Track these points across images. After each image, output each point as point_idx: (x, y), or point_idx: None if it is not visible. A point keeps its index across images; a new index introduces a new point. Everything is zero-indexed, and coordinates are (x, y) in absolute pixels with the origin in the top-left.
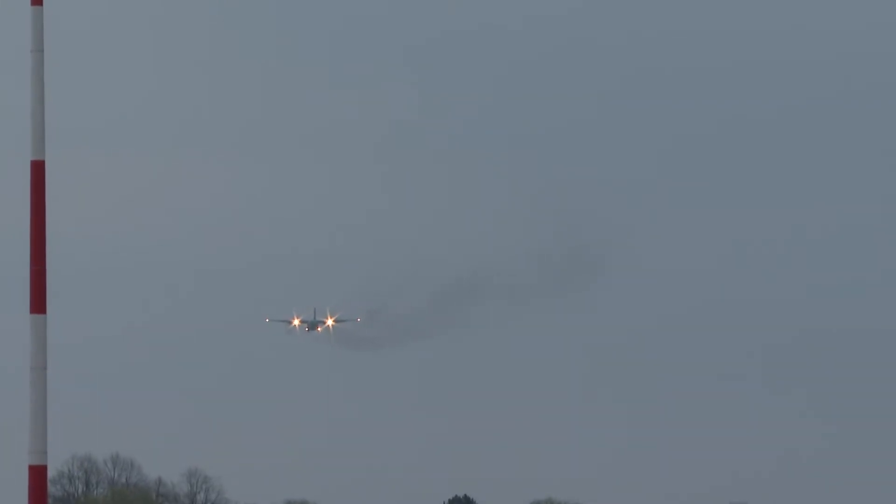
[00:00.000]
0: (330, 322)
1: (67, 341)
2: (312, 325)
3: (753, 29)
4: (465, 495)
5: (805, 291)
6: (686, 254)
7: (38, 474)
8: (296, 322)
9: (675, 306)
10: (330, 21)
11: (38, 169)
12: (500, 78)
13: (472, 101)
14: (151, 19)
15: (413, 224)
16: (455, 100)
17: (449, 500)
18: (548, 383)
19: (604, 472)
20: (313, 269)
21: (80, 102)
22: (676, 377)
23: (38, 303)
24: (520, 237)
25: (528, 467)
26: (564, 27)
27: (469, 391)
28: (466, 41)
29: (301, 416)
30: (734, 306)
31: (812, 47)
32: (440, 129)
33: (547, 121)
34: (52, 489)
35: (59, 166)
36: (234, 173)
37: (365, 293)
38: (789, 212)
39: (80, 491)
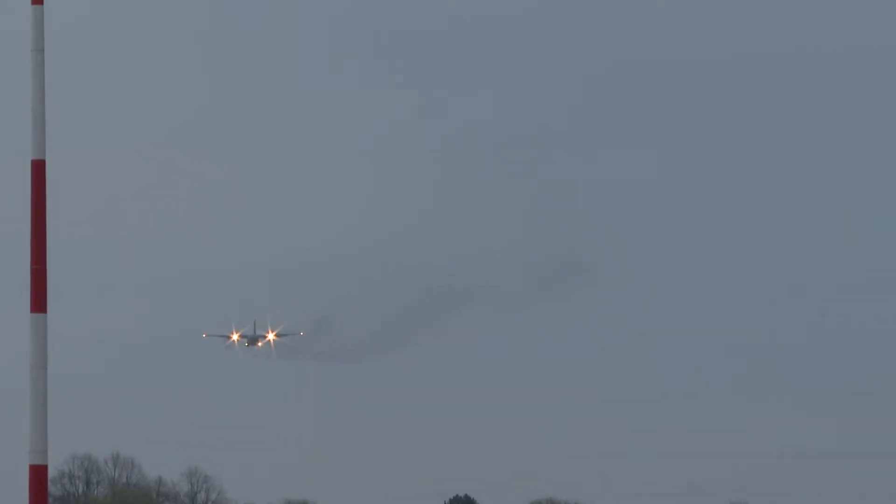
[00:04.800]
0: (271, 336)
1: (68, 340)
2: (252, 340)
3: (753, 25)
4: (466, 495)
5: (802, 291)
6: (679, 255)
7: (38, 474)
8: (234, 337)
9: (671, 306)
10: (322, 20)
11: (38, 168)
12: (493, 76)
13: (467, 100)
14: (152, 19)
15: (397, 227)
16: (450, 99)
17: (449, 500)
18: (548, 383)
19: (604, 472)
20: (304, 271)
21: (81, 102)
22: (674, 377)
23: (39, 302)
24: (511, 240)
25: (528, 467)
26: (556, 21)
27: (469, 392)
28: (455, 34)
29: (302, 416)
30: (727, 307)
31: (812, 42)
32: (434, 129)
33: (539, 119)
34: (53, 489)
35: (59, 165)
36: (234, 174)
37: (352, 294)
38: (784, 211)
39: (80, 490)
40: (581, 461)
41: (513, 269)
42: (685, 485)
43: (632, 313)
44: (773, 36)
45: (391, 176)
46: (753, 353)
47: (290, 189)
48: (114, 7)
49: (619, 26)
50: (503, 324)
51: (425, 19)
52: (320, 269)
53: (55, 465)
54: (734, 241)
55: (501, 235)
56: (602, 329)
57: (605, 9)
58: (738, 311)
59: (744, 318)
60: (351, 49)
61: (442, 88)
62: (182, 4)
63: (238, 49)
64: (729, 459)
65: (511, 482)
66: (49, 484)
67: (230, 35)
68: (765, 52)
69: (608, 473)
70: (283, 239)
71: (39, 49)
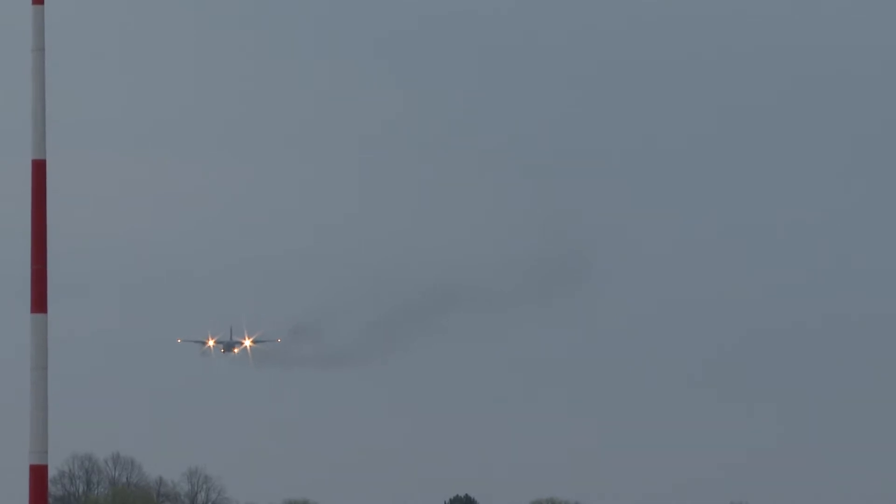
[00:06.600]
0: (248, 343)
1: (68, 341)
2: (228, 347)
3: (750, 24)
4: (466, 495)
5: (804, 290)
6: (676, 255)
7: (38, 474)
8: (210, 343)
9: (669, 306)
10: (318, 19)
11: (38, 168)
12: (489, 76)
13: (456, 100)
14: (152, 20)
15: (391, 229)
16: (438, 99)
17: (449, 500)
18: (547, 383)
19: (604, 471)
20: (296, 273)
21: (82, 102)
22: (674, 376)
23: (39, 302)
24: (506, 240)
25: (528, 467)
26: (554, 21)
27: (469, 392)
28: (449, 32)
29: (302, 416)
30: (722, 307)
31: (807, 38)
32: (428, 129)
33: (536, 119)
34: (53, 489)
35: (59, 166)
36: (232, 176)
37: (346, 296)
38: (782, 211)
39: (80, 490)
40: (581, 461)
41: (509, 268)
42: (685, 484)
43: (629, 312)
44: (770, 35)
45: (383, 176)
46: (753, 352)
47: (282, 190)
48: (114, 8)
49: (619, 25)
50: (502, 324)
51: (421, 19)
52: (313, 270)
53: (55, 465)
54: (731, 241)
55: (496, 236)
56: (601, 328)
57: (604, 8)
58: (738, 311)
59: (743, 318)
60: (345, 48)
61: (436, 88)
62: (181, 5)
63: (236, 49)
64: (729, 459)
65: (512, 482)
66: (49, 484)
67: (228, 36)
68: (762, 52)
69: (608, 473)
70: (278, 240)
71: (40, 49)
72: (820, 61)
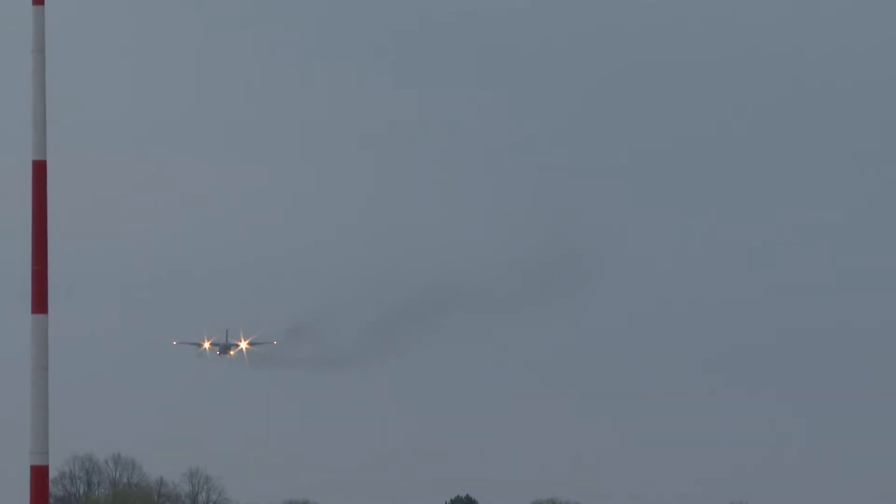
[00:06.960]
0: (244, 345)
1: (68, 341)
2: (224, 349)
3: (750, 26)
4: (467, 495)
5: (796, 291)
6: (676, 255)
7: (39, 475)
8: (206, 345)
9: (669, 307)
10: (321, 20)
11: (39, 169)
12: (491, 76)
13: (456, 101)
14: (152, 20)
15: (393, 230)
16: (438, 100)
17: (450, 500)
18: (548, 384)
19: (604, 471)
20: (298, 274)
21: (82, 102)
22: (674, 377)
23: (40, 303)
24: (509, 241)
25: (529, 467)
26: (556, 22)
27: (470, 392)
28: (449, 33)
29: (303, 416)
30: (722, 308)
31: (807, 40)
32: (423, 130)
33: (538, 119)
34: (54, 489)
35: (60, 166)
36: (233, 176)
37: (347, 297)
38: (782, 212)
39: (81, 491)
40: (581, 461)
41: (511, 269)
42: (685, 485)
43: (629, 312)
44: (770, 37)
45: (383, 177)
46: (752, 352)
47: (282, 191)
48: (114, 8)
49: (619, 26)
50: (502, 324)
51: (421, 19)
52: (312, 271)
53: (56, 466)
54: (730, 241)
55: (496, 236)
56: (600, 329)
57: (604, 9)
58: (737, 312)
59: (743, 319)
60: (346, 49)
61: (437, 89)
62: (180, 6)
63: (237, 50)
64: (729, 459)
65: (512, 482)
66: (50, 484)
67: (228, 36)
68: (762, 53)
69: (608, 473)
70: (278, 241)
71: (40, 49)
72: (820, 62)
